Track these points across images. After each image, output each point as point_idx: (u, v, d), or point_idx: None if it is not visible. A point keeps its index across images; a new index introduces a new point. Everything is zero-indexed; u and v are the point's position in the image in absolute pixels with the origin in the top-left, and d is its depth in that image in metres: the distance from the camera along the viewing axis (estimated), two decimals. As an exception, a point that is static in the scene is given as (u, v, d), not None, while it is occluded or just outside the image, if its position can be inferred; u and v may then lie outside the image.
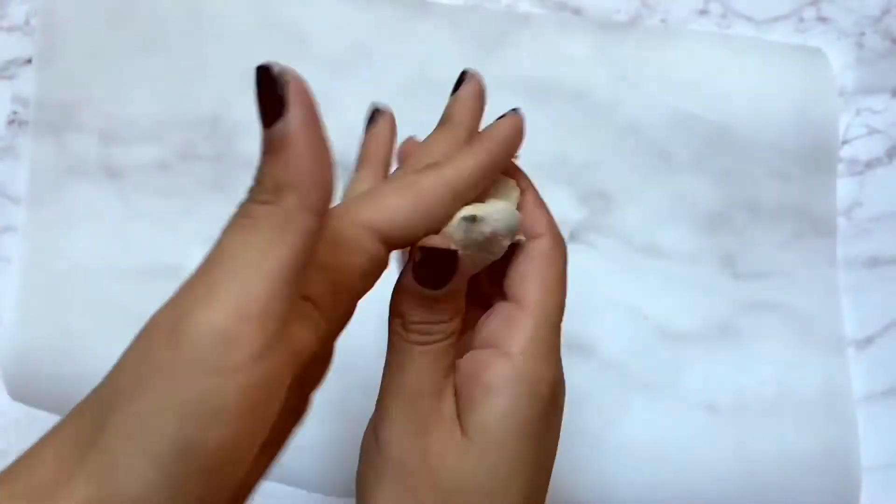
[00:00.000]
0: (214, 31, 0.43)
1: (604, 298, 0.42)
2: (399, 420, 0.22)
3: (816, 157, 0.44)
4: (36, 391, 0.41)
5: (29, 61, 0.44)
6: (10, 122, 0.43)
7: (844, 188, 0.44)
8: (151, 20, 0.43)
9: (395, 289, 0.23)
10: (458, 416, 0.23)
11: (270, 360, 0.17)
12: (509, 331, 0.23)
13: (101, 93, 0.43)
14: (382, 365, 0.24)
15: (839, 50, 0.45)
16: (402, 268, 0.23)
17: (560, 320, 0.24)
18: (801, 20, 0.46)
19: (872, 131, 0.45)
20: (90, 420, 0.18)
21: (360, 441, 0.40)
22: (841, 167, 0.44)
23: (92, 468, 0.17)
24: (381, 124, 0.28)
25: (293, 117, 0.18)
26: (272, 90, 0.18)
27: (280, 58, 0.45)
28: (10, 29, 0.44)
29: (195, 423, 0.16)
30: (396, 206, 0.22)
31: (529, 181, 0.26)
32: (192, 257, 0.18)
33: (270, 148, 0.18)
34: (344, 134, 0.42)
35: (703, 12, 0.46)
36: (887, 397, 0.42)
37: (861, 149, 0.45)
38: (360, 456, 0.24)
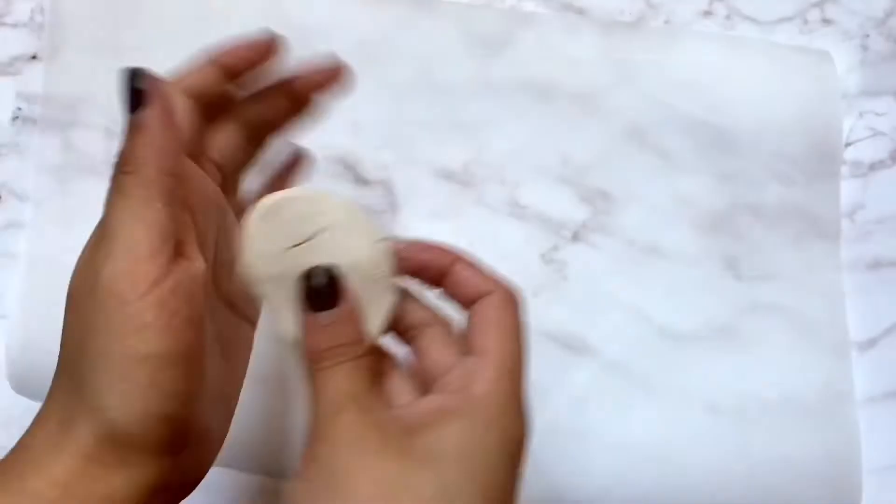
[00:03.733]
0: (220, 28, 0.43)
1: (606, 299, 0.42)
2: (322, 438, 0.22)
3: (820, 159, 0.44)
4: (40, 385, 0.41)
5: (34, 58, 0.44)
6: (15, 119, 0.44)
7: (847, 190, 0.44)
8: (157, 17, 0.43)
9: (302, 345, 0.24)
10: (409, 435, 0.22)
11: (169, 279, 0.22)
12: (471, 378, 0.23)
13: (107, 89, 0.43)
14: None
15: (843, 52, 0.45)
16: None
17: (521, 368, 0.24)
18: (806, 22, 0.46)
19: (876, 133, 0.45)
20: (65, 390, 0.23)
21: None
22: (844, 169, 0.44)
23: (82, 418, 0.22)
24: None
25: (151, 108, 0.25)
26: (136, 86, 0.26)
27: (285, 55, 0.45)
28: (14, 25, 0.44)
29: (134, 341, 0.21)
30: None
31: (457, 254, 0.26)
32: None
33: (133, 130, 0.25)
34: (349, 132, 0.42)
35: (708, 13, 0.46)
36: (889, 399, 0.42)
37: (864, 151, 0.45)
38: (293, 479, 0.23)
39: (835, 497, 0.41)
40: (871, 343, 0.43)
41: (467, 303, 0.25)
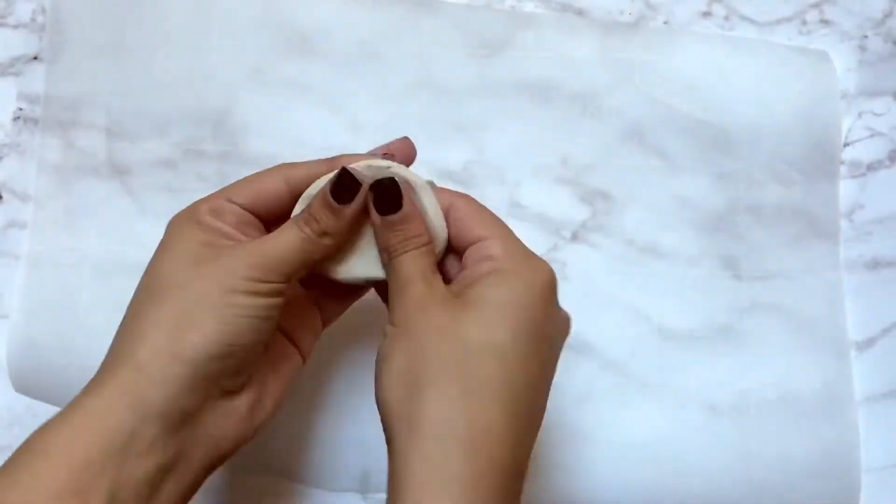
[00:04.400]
0: (222, 28, 0.43)
1: (605, 298, 0.42)
2: (399, 305, 0.28)
3: (819, 159, 0.44)
4: (41, 383, 0.41)
5: (35, 58, 0.44)
6: (16, 119, 0.44)
7: (846, 191, 0.44)
8: (159, 17, 0.43)
9: (377, 239, 0.30)
10: (457, 297, 0.28)
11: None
12: (486, 251, 0.29)
13: (108, 89, 0.43)
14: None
15: (842, 52, 0.45)
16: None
17: (514, 235, 0.30)
18: (804, 23, 0.46)
19: (874, 134, 0.45)
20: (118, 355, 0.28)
21: (356, 437, 0.40)
22: (843, 169, 0.44)
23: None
24: None
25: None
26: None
27: (286, 56, 0.46)
28: (16, 26, 0.45)
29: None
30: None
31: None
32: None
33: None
34: (349, 131, 0.42)
35: (707, 14, 0.46)
36: (888, 399, 0.43)
37: (863, 151, 0.45)
38: (376, 360, 0.28)
39: (834, 496, 0.41)
40: (869, 343, 0.43)
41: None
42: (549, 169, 0.43)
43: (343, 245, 0.31)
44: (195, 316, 0.27)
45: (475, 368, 0.26)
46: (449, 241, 0.31)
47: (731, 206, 0.43)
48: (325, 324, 0.34)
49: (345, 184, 0.29)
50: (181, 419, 0.27)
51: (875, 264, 0.44)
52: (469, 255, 0.30)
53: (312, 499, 0.39)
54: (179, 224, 0.30)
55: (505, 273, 0.28)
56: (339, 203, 0.29)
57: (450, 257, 0.31)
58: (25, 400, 0.42)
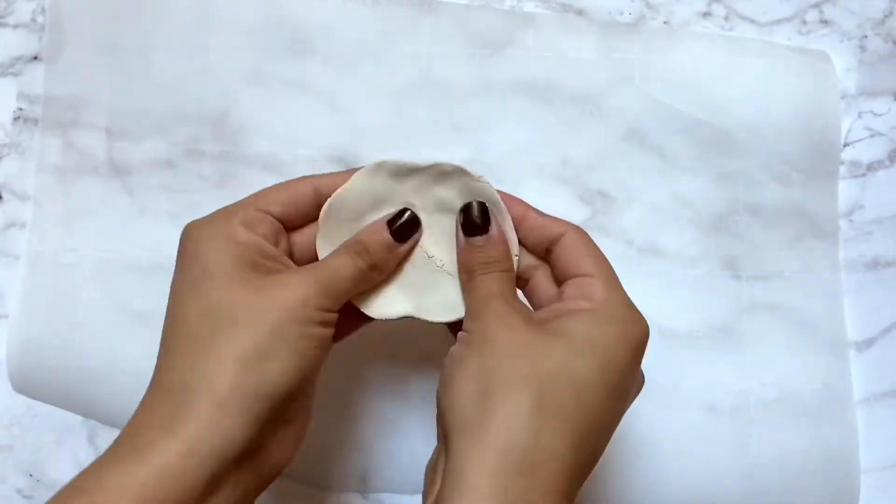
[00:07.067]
0: (221, 28, 0.43)
1: (605, 298, 0.42)
2: (479, 316, 0.28)
3: (819, 159, 0.44)
4: (40, 383, 0.41)
5: (35, 58, 0.44)
6: (16, 119, 0.44)
7: (846, 191, 0.44)
8: (158, 17, 0.43)
9: (459, 258, 0.31)
10: (541, 323, 0.28)
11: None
12: (588, 289, 0.29)
13: (108, 89, 0.43)
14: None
15: (841, 52, 0.45)
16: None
17: (619, 282, 0.29)
18: (804, 23, 0.46)
19: (874, 134, 0.45)
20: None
21: (358, 439, 0.40)
22: (842, 169, 0.44)
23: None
24: None
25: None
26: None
27: (287, 56, 0.46)
28: (16, 26, 0.45)
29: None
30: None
31: (525, 204, 0.32)
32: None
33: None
34: (349, 131, 0.42)
35: (707, 14, 0.46)
36: (887, 399, 0.43)
37: (863, 151, 0.45)
38: (443, 366, 0.29)
39: (833, 496, 0.41)
40: (869, 343, 0.43)
41: (542, 244, 0.31)
42: (548, 169, 0.43)
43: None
44: (272, 349, 0.26)
45: (551, 394, 0.26)
46: (553, 273, 0.31)
47: (731, 206, 0.43)
48: (335, 340, 0.34)
49: (408, 224, 0.30)
50: (254, 453, 0.26)
51: (875, 264, 0.44)
52: (569, 287, 0.29)
53: (313, 499, 0.39)
54: (212, 239, 0.28)
55: (602, 316, 0.28)
56: (397, 241, 0.29)
57: (543, 281, 0.31)
58: (25, 400, 0.42)
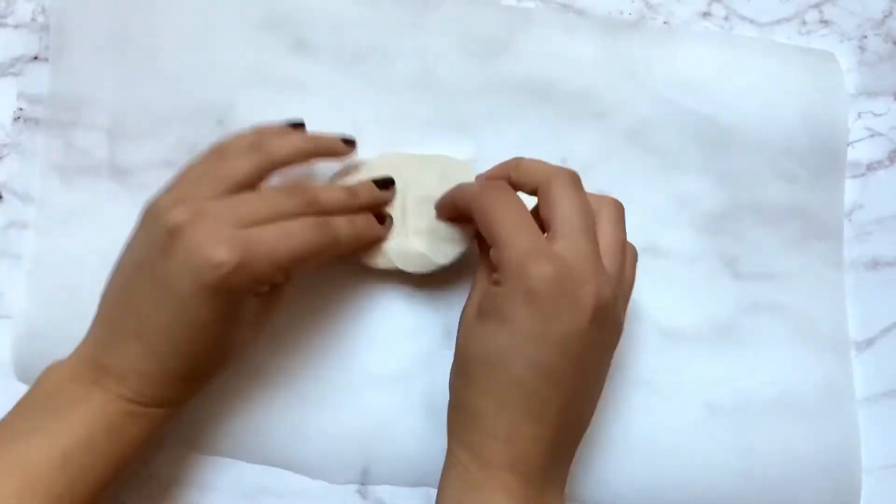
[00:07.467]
0: (222, 27, 0.43)
1: (606, 298, 0.42)
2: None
3: (823, 159, 0.44)
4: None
5: (35, 58, 0.44)
6: (16, 119, 0.44)
7: (846, 191, 0.44)
8: (159, 17, 0.43)
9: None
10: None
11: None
12: (551, 239, 0.31)
13: (110, 89, 0.43)
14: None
15: (842, 53, 0.46)
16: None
17: (586, 224, 0.31)
18: (804, 23, 0.46)
19: (874, 134, 0.45)
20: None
21: (361, 431, 0.40)
22: (843, 169, 0.45)
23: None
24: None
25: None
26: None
27: (287, 55, 0.46)
28: (16, 26, 0.45)
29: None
30: None
31: (490, 173, 0.36)
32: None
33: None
34: (349, 131, 0.42)
35: (707, 14, 0.46)
36: (888, 399, 0.43)
37: (863, 151, 0.45)
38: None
39: (834, 496, 0.41)
40: (869, 342, 0.43)
41: (535, 189, 0.33)
42: (549, 169, 0.43)
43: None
44: None
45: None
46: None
47: (733, 205, 0.43)
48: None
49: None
50: None
51: (875, 264, 0.44)
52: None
53: (312, 491, 0.39)
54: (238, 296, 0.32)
55: (561, 266, 0.30)
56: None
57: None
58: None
